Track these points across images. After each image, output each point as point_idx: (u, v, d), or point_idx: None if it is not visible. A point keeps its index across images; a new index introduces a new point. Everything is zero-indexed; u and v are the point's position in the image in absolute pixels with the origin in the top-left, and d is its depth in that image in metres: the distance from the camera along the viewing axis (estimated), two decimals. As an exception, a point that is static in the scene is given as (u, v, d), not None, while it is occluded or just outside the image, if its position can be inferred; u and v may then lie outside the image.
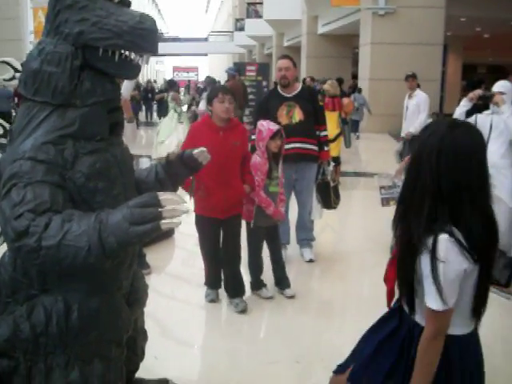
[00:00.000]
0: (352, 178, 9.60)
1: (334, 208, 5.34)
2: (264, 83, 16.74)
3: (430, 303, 1.67)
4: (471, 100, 4.82)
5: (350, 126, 11.67)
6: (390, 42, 16.25)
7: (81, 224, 1.72)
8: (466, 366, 1.75)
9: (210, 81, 9.95)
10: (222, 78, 25.24)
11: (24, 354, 1.89)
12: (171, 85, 11.70)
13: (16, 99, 7.63)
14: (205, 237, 4.00)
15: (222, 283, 4.09)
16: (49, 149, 1.85)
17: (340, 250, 5.63)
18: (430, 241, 1.64)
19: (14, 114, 2.09)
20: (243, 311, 3.91)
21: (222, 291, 4.13)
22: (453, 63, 24.55)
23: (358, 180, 9.69)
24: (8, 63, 2.15)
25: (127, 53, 1.95)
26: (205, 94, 9.62)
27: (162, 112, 10.27)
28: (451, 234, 1.62)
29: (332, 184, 5.21)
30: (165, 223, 1.69)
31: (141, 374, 2.51)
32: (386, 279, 1.95)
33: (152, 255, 4.84)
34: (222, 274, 4.06)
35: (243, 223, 4.12)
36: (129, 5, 2.06)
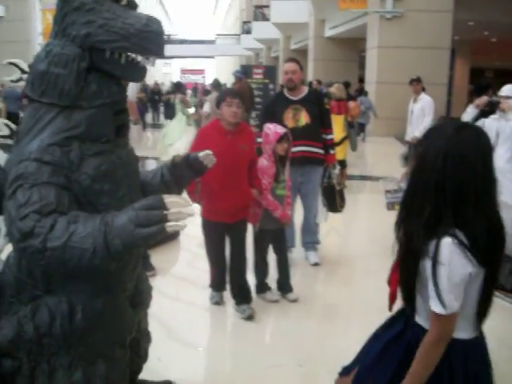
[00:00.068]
0: (358, 181, 9.58)
1: (340, 211, 5.34)
2: (271, 86, 16.76)
3: (434, 307, 1.66)
4: (478, 107, 4.82)
5: (357, 129, 11.66)
6: (397, 45, 16.23)
7: (86, 226, 1.73)
8: (470, 371, 1.73)
9: (216, 84, 9.97)
10: (228, 80, 25.31)
11: (28, 354, 1.89)
12: (178, 87, 11.73)
13: (24, 100, 7.67)
14: (211, 241, 3.98)
15: (228, 287, 4.06)
16: (55, 150, 1.86)
17: (345, 253, 5.61)
18: (432, 244, 1.64)
19: (21, 114, 2.10)
20: (250, 318, 3.87)
21: (226, 293, 4.13)
22: (460, 67, 24.51)
23: (363, 183, 9.67)
24: (15, 64, 2.16)
25: (134, 55, 1.96)
26: (209, 97, 9.63)
27: (169, 114, 10.31)
28: (455, 237, 1.62)
29: (338, 187, 5.21)
30: (170, 226, 1.69)
31: (144, 375, 2.51)
32: (390, 282, 1.95)
33: (157, 257, 4.84)
34: (227, 276, 4.04)
35: (249, 226, 4.11)
36: (135, 7, 2.07)
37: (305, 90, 5.03)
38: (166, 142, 9.91)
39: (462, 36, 20.35)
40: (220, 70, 72.31)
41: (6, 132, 2.17)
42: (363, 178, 10.02)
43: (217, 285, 4.13)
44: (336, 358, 2.85)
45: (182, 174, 2.34)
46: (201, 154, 2.34)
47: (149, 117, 21.27)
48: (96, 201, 1.90)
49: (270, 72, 17.41)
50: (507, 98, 4.52)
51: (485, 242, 1.64)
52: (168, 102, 13.95)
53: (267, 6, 28.84)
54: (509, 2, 15.48)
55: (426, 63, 15.55)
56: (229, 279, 4.02)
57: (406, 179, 4.74)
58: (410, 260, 1.73)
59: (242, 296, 3.98)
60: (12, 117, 11.89)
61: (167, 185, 2.31)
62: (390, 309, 1.98)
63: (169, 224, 1.69)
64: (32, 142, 1.89)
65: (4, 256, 2.10)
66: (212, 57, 57.02)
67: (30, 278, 1.93)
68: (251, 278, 4.16)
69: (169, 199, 1.72)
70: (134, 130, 6.62)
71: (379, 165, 11.66)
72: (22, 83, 2.13)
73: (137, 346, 2.28)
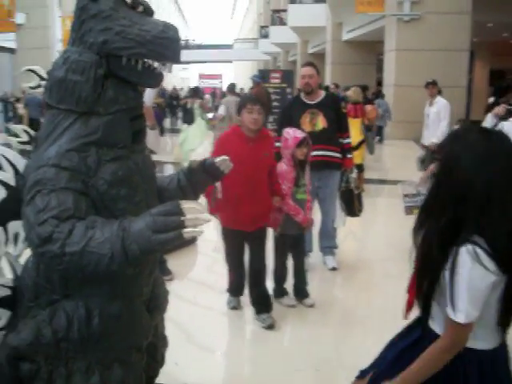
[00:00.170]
0: (376, 185, 9.52)
1: (358, 215, 5.31)
2: (288, 90, 16.73)
3: (451, 314, 1.64)
4: (496, 115, 4.78)
5: (374, 132, 11.60)
6: (415, 48, 16.12)
7: (104, 231, 1.74)
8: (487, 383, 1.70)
9: (231, 87, 10.01)
10: (246, 85, 25.36)
11: (45, 358, 1.91)
12: (195, 92, 11.78)
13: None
14: (230, 248, 3.96)
15: (246, 292, 4.04)
16: (72, 156, 1.88)
17: (363, 258, 5.58)
18: (452, 251, 1.62)
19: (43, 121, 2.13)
20: (271, 327, 3.82)
21: (243, 298, 4.13)
22: (480, 69, 24.27)
23: (381, 187, 9.61)
24: (34, 71, 2.19)
25: (150, 61, 1.98)
26: (224, 100, 9.67)
27: (187, 119, 10.37)
28: (476, 244, 1.59)
29: (356, 191, 5.19)
30: (187, 232, 1.70)
31: (161, 380, 2.52)
32: (409, 290, 1.93)
33: (175, 261, 4.86)
34: (245, 282, 4.02)
35: (269, 231, 4.08)
36: (152, 14, 2.08)
37: (322, 94, 5.01)
38: (185, 147, 9.95)
39: (481, 38, 20.14)
40: (238, 74, 72.55)
41: (25, 138, 2.20)
42: (381, 181, 9.95)
43: (234, 290, 4.12)
44: (353, 363, 2.83)
45: (199, 179, 2.35)
46: (217, 160, 2.34)
47: (167, 122, 21.40)
48: (113, 206, 1.92)
49: (288, 76, 17.38)
50: None
51: (506, 246, 1.60)
52: (185, 107, 14.00)
53: (285, 10, 28.86)
54: (528, 3, 15.31)
55: (444, 66, 15.42)
56: (248, 287, 3.99)
57: (424, 183, 4.71)
58: (427, 267, 1.71)
59: (261, 304, 3.93)
60: (34, 123, 12.05)
61: (184, 190, 2.32)
62: (406, 317, 1.96)
63: (186, 230, 1.69)
64: (50, 148, 1.91)
65: (23, 260, 2.12)
66: (230, 61, 57.24)
67: (48, 283, 1.95)
68: (269, 283, 4.15)
69: (186, 205, 1.73)
70: (151, 135, 6.66)
71: (397, 168, 11.58)
72: (40, 90, 2.16)
73: (153, 351, 2.29)
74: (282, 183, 3.99)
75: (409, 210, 4.83)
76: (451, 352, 1.67)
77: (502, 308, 1.66)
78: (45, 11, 24.68)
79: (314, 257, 5.15)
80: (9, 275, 2.14)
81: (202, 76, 51.18)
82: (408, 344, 1.85)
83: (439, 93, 8.06)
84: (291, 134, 4.09)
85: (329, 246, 5.16)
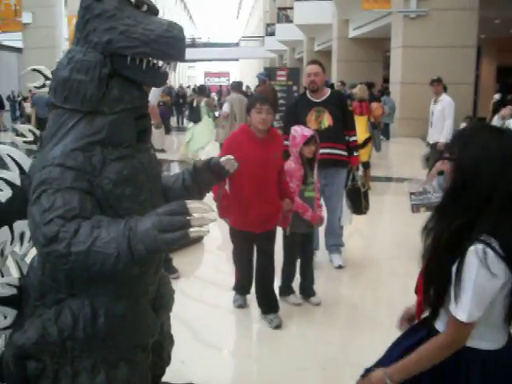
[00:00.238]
0: (382, 182, 9.51)
1: (364, 213, 5.30)
2: (294, 88, 16.72)
3: (454, 312, 1.63)
4: (503, 118, 4.76)
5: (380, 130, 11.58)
6: (421, 45, 16.06)
7: (110, 231, 1.74)
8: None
9: (235, 85, 9.99)
10: (252, 83, 25.35)
11: (51, 357, 1.92)
12: (201, 90, 11.78)
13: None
14: (239, 250, 3.94)
15: (253, 291, 4.03)
16: (77, 155, 1.88)
17: (369, 256, 5.57)
18: (463, 249, 1.61)
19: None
20: (278, 327, 3.81)
21: (250, 296, 4.13)
22: (487, 66, 24.14)
23: (388, 185, 9.60)
24: (39, 71, 2.19)
25: (155, 60, 1.98)
26: (228, 97, 9.66)
27: (193, 117, 10.37)
28: (487, 245, 1.58)
29: (362, 189, 5.18)
30: (193, 231, 1.70)
31: (167, 378, 2.52)
32: (417, 290, 1.92)
33: (181, 259, 4.87)
34: (252, 281, 4.00)
35: (279, 230, 4.06)
36: (156, 13, 2.08)
37: (327, 91, 5.00)
38: (192, 145, 9.96)
39: (488, 34, 20.03)
40: (244, 72, 72.49)
41: (30, 137, 2.21)
42: (387, 179, 9.93)
43: (241, 288, 4.11)
44: (360, 361, 2.82)
45: (204, 178, 2.35)
46: (222, 159, 2.35)
47: (173, 120, 21.43)
48: (118, 205, 1.92)
49: (294, 74, 17.38)
50: None
51: None
52: (191, 105, 14.01)
53: (290, 8, 28.82)
54: (536, -1, 15.22)
55: (451, 62, 15.35)
56: (255, 287, 3.97)
57: (430, 181, 4.69)
58: (435, 267, 1.70)
59: (268, 305, 3.92)
60: (42, 122, 12.07)
61: (189, 189, 2.32)
62: (419, 318, 1.95)
63: (192, 229, 1.70)
64: (55, 148, 1.92)
65: (28, 259, 2.13)
66: (236, 59, 57.19)
67: (54, 282, 1.95)
68: (276, 280, 4.12)
69: (192, 205, 1.74)
70: (156, 134, 6.68)
71: (404, 166, 11.55)
72: (44, 89, 2.16)
73: (159, 349, 2.30)
74: (290, 181, 3.97)
75: (415, 208, 4.80)
76: (451, 349, 1.67)
77: (510, 304, 1.65)
78: (51, 11, 24.74)
79: (320, 255, 5.15)
80: (15, 274, 2.15)
81: (207, 74, 51.22)
82: (413, 343, 1.84)
83: (444, 90, 8.01)
84: (299, 131, 4.07)
85: (335, 244, 5.15)
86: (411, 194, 4.83)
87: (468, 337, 1.66)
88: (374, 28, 20.02)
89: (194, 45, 46.31)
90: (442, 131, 7.54)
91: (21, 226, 2.05)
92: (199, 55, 43.13)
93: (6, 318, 2.05)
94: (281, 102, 14.46)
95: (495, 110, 9.25)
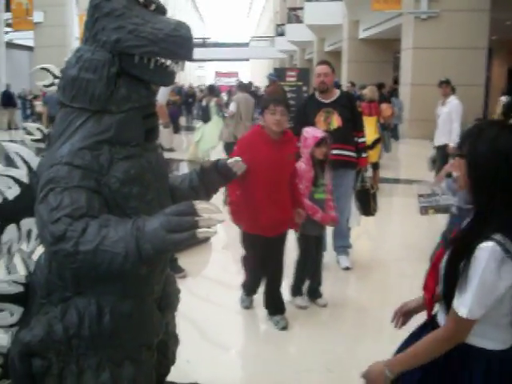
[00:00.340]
0: (391, 184, 9.47)
1: (373, 215, 5.29)
2: (304, 88, 16.70)
3: (456, 306, 1.63)
4: None
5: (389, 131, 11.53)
6: (432, 46, 15.98)
7: (117, 230, 1.75)
8: None
9: (241, 85, 9.98)
10: (262, 83, 25.35)
11: (57, 354, 1.93)
12: (211, 90, 11.79)
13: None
14: (251, 254, 3.89)
15: (262, 296, 3.99)
16: (85, 154, 1.89)
17: (377, 257, 5.55)
18: (472, 246, 1.59)
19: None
20: (284, 328, 3.79)
21: (256, 296, 4.12)
22: (498, 68, 23.98)
23: (396, 186, 9.56)
24: (48, 70, 2.20)
25: (163, 60, 1.98)
26: (235, 97, 9.66)
27: (204, 116, 10.38)
28: (498, 243, 1.56)
29: (371, 191, 5.16)
30: (201, 232, 1.70)
31: (172, 377, 2.52)
32: (425, 288, 1.91)
33: (188, 259, 4.87)
34: (260, 283, 3.97)
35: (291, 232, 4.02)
36: (164, 12, 2.08)
37: (337, 92, 4.98)
38: (202, 145, 9.97)
39: (500, 36, 19.89)
40: (254, 72, 72.52)
41: (39, 136, 2.22)
42: (396, 180, 9.90)
43: (249, 290, 4.08)
44: (366, 363, 2.80)
45: (211, 179, 2.34)
46: (230, 161, 2.34)
47: (182, 119, 21.47)
48: (125, 204, 1.93)
49: (304, 74, 17.34)
50: None
51: None
52: (201, 104, 14.07)
53: (301, 8, 28.78)
54: (548, 0, 15.11)
55: (462, 64, 15.27)
56: (264, 290, 3.93)
57: (439, 183, 4.66)
58: (447, 261, 1.70)
59: (275, 307, 3.91)
60: (53, 120, 12.15)
61: (196, 190, 2.32)
62: (429, 315, 1.94)
63: (200, 230, 1.70)
64: (63, 146, 1.93)
65: (36, 257, 2.14)
66: (246, 59, 57.19)
67: (61, 280, 1.96)
68: (286, 280, 4.09)
69: (200, 205, 1.74)
70: (164, 133, 6.68)
71: (413, 168, 11.50)
72: (53, 88, 2.17)
73: (165, 348, 2.30)
74: (300, 182, 3.92)
75: (424, 211, 4.77)
76: (450, 343, 1.66)
77: None
78: (62, 9, 24.89)
79: (328, 256, 5.12)
80: (22, 272, 2.16)
81: (218, 74, 51.21)
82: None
83: (453, 91, 7.93)
84: (311, 132, 4.04)
85: (342, 245, 5.14)
86: (420, 196, 4.80)
87: (468, 333, 1.65)
88: (385, 29, 19.95)
89: (204, 45, 46.34)
90: (448, 134, 7.45)
91: (28, 223, 2.06)
92: (209, 55, 43.15)
93: (12, 315, 2.06)
94: (290, 102, 14.45)
95: (506, 114, 9.12)
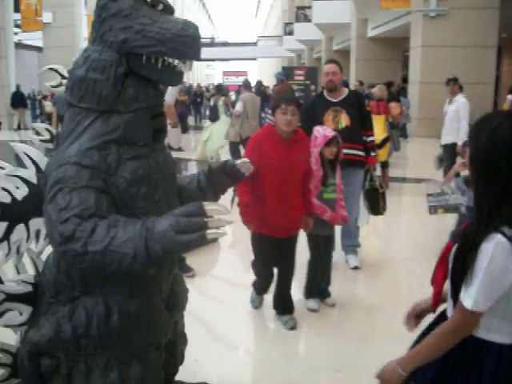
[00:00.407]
0: (400, 183, 9.44)
1: (382, 214, 5.26)
2: (312, 87, 16.70)
3: (462, 297, 1.62)
4: None
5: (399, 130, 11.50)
6: (441, 44, 15.89)
7: (126, 230, 1.75)
8: (501, 378, 1.64)
9: (247, 83, 9.97)
10: (270, 82, 25.32)
11: (65, 354, 1.93)
12: (219, 89, 11.79)
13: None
14: (260, 256, 3.82)
15: (272, 298, 3.96)
16: (93, 154, 1.90)
17: (386, 256, 5.53)
18: (479, 239, 1.58)
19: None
20: (293, 328, 3.78)
21: (265, 296, 4.11)
22: (507, 66, 23.83)
23: (405, 185, 9.52)
24: (55, 70, 2.21)
25: (170, 59, 1.98)
26: (241, 96, 9.67)
27: (213, 116, 10.38)
28: (504, 235, 1.55)
29: (380, 190, 5.14)
30: (210, 233, 1.70)
31: (180, 376, 2.53)
32: (433, 281, 1.90)
33: (197, 258, 4.86)
34: (271, 284, 3.93)
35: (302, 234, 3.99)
36: (172, 12, 2.08)
37: (345, 91, 4.97)
38: (211, 144, 9.97)
39: (509, 34, 19.75)
40: (262, 71, 72.48)
41: (47, 136, 2.22)
42: (405, 179, 9.86)
43: (260, 288, 4.04)
44: (375, 363, 2.78)
45: (219, 180, 2.34)
46: (238, 162, 2.33)
47: (191, 119, 21.51)
48: (132, 204, 1.93)
49: (312, 73, 17.36)
50: None
51: None
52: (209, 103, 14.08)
53: (309, 7, 28.73)
54: (559, -3, 14.99)
55: (471, 62, 15.19)
56: (274, 290, 3.91)
57: (448, 182, 4.63)
58: (456, 255, 1.69)
59: (284, 306, 3.89)
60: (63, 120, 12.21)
61: (203, 191, 2.31)
62: (434, 310, 1.92)
63: (209, 231, 1.70)
64: (71, 146, 1.93)
65: (44, 257, 2.15)
66: (254, 59, 57.20)
67: (69, 280, 1.97)
68: (297, 282, 4.06)
69: (209, 206, 1.74)
70: (172, 133, 6.69)
71: (422, 166, 11.44)
72: (61, 88, 2.18)
73: (173, 348, 2.31)
74: (309, 182, 3.90)
75: (433, 210, 4.74)
76: (457, 335, 1.65)
77: None
78: (71, 10, 24.98)
79: (336, 255, 5.10)
80: (31, 271, 2.17)
81: (226, 73, 51.22)
82: None
83: (460, 89, 7.86)
84: (321, 132, 3.99)
85: (351, 244, 5.12)
86: (429, 195, 4.77)
87: (475, 325, 1.64)
88: (393, 27, 19.86)
89: (212, 44, 46.44)
90: (455, 132, 7.37)
91: (37, 223, 2.06)
92: (217, 54, 43.21)
93: (21, 314, 2.07)
94: (298, 101, 14.40)
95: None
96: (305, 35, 30.74)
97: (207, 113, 15.77)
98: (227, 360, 3.42)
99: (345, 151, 4.66)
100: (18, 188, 2.02)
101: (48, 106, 17.37)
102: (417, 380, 1.78)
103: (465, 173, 4.47)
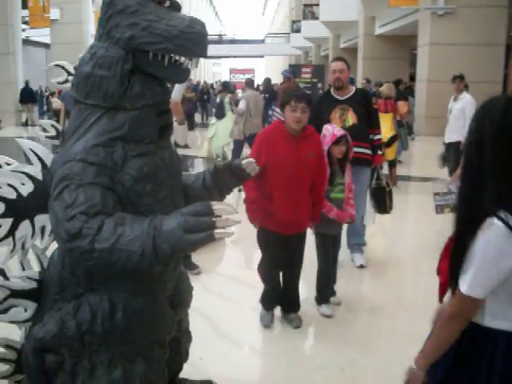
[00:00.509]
0: (406, 182, 9.40)
1: (388, 213, 5.24)
2: (319, 85, 16.66)
3: (460, 283, 1.61)
4: None
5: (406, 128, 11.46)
6: (449, 42, 15.81)
7: (133, 228, 1.75)
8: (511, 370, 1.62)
9: (250, 82, 9.95)
10: (278, 79, 25.30)
11: (70, 350, 1.93)
12: (225, 87, 11.79)
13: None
14: (267, 253, 3.74)
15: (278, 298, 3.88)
16: (99, 151, 1.89)
17: (392, 255, 5.51)
18: (476, 224, 1.57)
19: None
20: (298, 327, 3.76)
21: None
22: (516, 64, 23.69)
23: (412, 184, 9.49)
24: (62, 67, 2.21)
25: (177, 57, 1.97)
26: (244, 94, 9.67)
27: (219, 113, 10.39)
28: (501, 219, 1.52)
29: (387, 189, 5.12)
30: (218, 233, 1.70)
31: (185, 374, 2.53)
32: (439, 271, 1.88)
33: (202, 255, 4.85)
34: (279, 292, 3.84)
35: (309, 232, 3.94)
36: (179, 9, 2.07)
37: (352, 89, 4.94)
38: (216, 141, 9.98)
39: (519, 32, 19.67)
40: (269, 69, 72.43)
41: (53, 133, 2.22)
42: (412, 178, 9.82)
43: (267, 301, 3.87)
44: (380, 362, 2.79)
45: (224, 180, 2.32)
46: (244, 162, 2.32)
47: (198, 116, 21.51)
48: (138, 202, 1.93)
49: (319, 71, 17.33)
50: None
51: None
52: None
53: (316, 5, 28.65)
54: None
55: (479, 61, 15.10)
56: (281, 293, 3.85)
57: (455, 181, 4.61)
58: (455, 240, 1.68)
59: (290, 304, 3.86)
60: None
61: (209, 190, 2.31)
62: (441, 301, 1.91)
63: (217, 231, 1.70)
64: (77, 143, 1.93)
65: (49, 253, 2.15)
66: (261, 56, 57.15)
67: (74, 276, 1.97)
68: (305, 284, 4.04)
69: (217, 206, 1.74)
70: (178, 130, 6.69)
71: (428, 165, 11.39)
72: (67, 85, 2.18)
73: (177, 345, 2.30)
74: (322, 182, 3.79)
75: (439, 209, 4.71)
76: (457, 321, 1.64)
77: None
78: (79, 7, 24.99)
79: (342, 254, 5.09)
80: (36, 268, 2.17)
81: (232, 71, 51.21)
82: None
83: (466, 88, 7.78)
84: (330, 130, 3.93)
85: (357, 243, 5.11)
86: (435, 194, 4.75)
87: (473, 312, 1.63)
88: (401, 25, 19.79)
89: (219, 41, 46.44)
90: (460, 130, 7.28)
91: (42, 219, 2.06)
92: (225, 52, 43.22)
93: (26, 310, 2.08)
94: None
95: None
96: (312, 33, 30.67)
97: (213, 110, 15.77)
98: (232, 357, 3.42)
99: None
100: (23, 184, 2.02)
101: (55, 102, 17.40)
102: (430, 381, 1.78)
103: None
